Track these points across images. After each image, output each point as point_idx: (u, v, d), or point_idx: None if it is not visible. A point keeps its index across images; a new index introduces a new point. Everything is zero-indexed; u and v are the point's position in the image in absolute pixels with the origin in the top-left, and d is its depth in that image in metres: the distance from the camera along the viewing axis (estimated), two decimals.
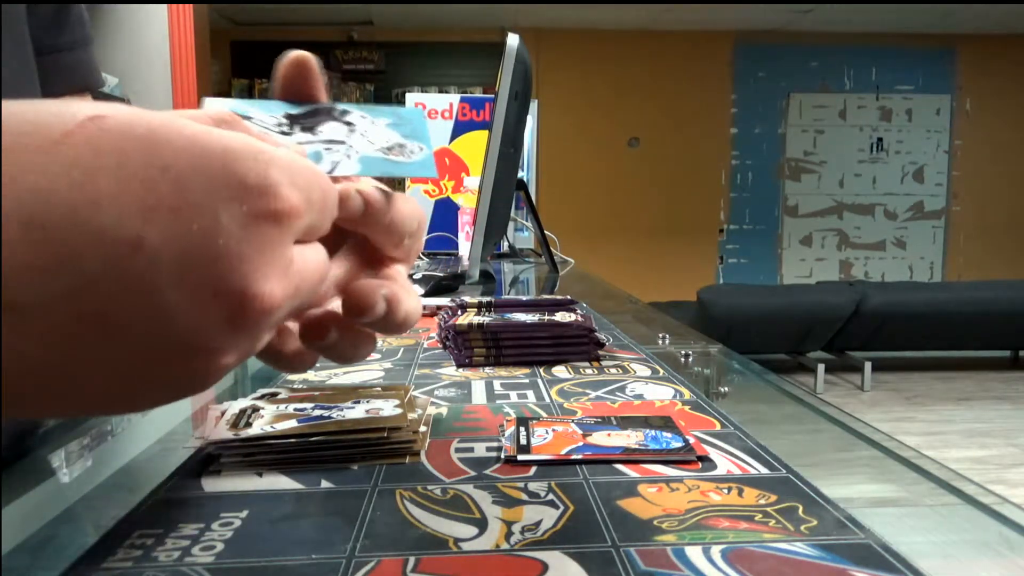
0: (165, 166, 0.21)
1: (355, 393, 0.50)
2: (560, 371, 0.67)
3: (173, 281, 0.21)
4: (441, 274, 1.19)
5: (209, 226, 0.21)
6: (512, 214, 1.91)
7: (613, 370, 0.67)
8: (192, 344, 0.22)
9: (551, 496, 0.38)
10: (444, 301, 0.89)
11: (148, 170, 0.21)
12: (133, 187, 0.20)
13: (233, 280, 0.22)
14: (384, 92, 5.44)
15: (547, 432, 0.47)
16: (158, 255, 0.20)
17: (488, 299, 0.83)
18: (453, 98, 2.21)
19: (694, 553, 0.31)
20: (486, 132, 1.33)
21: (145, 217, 0.20)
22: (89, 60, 0.49)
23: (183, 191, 0.21)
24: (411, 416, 0.46)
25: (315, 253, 0.26)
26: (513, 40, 1.23)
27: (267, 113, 0.32)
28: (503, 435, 0.47)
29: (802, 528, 0.34)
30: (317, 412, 0.45)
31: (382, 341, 0.85)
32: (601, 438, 0.46)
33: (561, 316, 0.74)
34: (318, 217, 0.25)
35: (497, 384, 0.62)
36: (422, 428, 0.46)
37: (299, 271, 0.24)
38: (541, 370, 0.67)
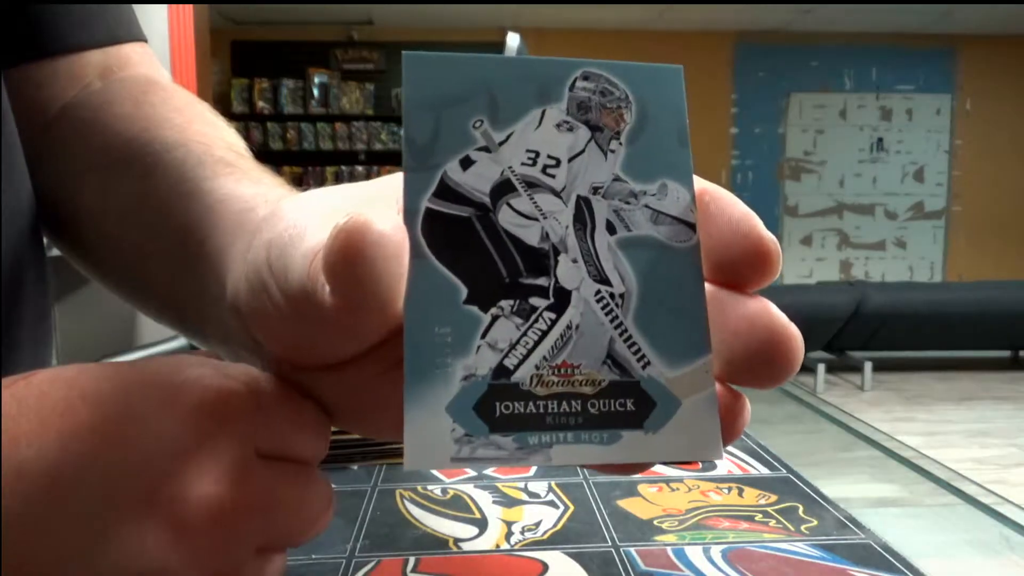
0: (82, 394, 0.20)
1: None
2: None
3: (102, 503, 0.19)
4: None
5: (132, 435, 0.20)
6: None
7: None
8: (139, 572, 0.19)
9: (551, 496, 0.38)
10: None
11: (66, 401, 0.20)
12: (51, 419, 0.20)
13: (168, 484, 0.19)
14: (384, 92, 5.44)
15: None
16: (79, 479, 0.19)
17: None
18: None
19: (694, 553, 0.31)
20: None
21: (63, 445, 0.19)
22: (120, 11, 0.43)
23: (101, 410, 0.20)
24: None
25: (297, 473, 0.22)
26: (513, 40, 1.23)
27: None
28: None
29: (802, 528, 0.34)
30: None
31: None
32: None
33: None
34: (282, 419, 0.22)
35: None
36: None
37: (270, 482, 0.21)
38: None
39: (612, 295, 0.20)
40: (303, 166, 5.33)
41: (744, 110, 5.79)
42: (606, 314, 0.19)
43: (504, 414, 0.19)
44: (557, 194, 0.20)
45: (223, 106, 5.30)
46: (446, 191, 0.19)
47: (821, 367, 4.17)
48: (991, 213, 5.91)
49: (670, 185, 0.21)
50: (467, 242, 0.19)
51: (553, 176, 0.20)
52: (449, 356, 0.18)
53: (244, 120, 5.33)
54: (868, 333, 4.21)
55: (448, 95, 0.20)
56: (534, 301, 0.19)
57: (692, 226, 0.20)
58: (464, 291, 0.19)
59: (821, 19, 5.32)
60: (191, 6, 2.39)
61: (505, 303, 0.19)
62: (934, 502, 0.40)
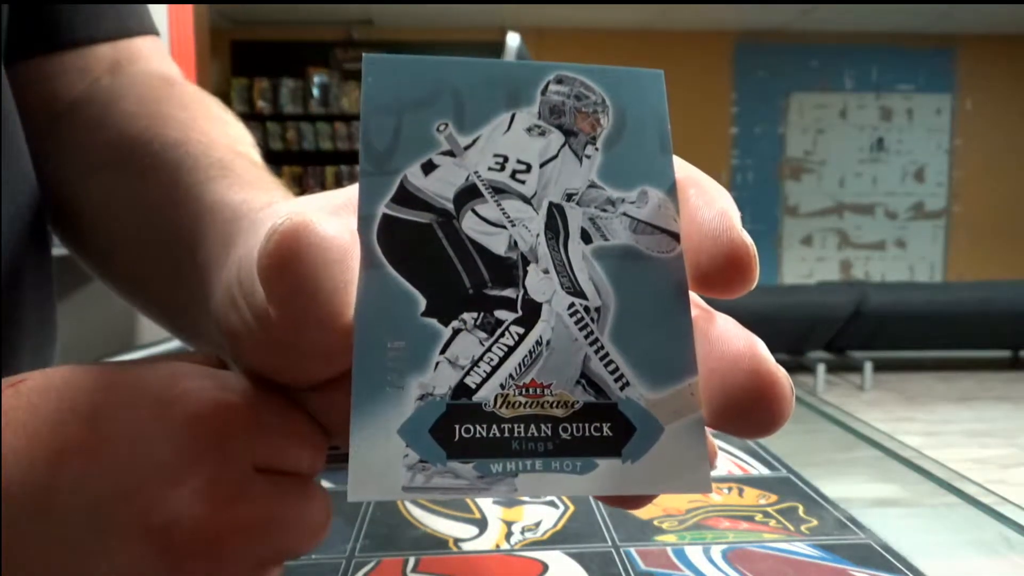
0: (73, 408, 0.19)
1: None
2: None
3: (93, 525, 0.18)
4: None
5: (124, 454, 0.19)
6: None
7: None
8: None
9: (551, 496, 0.38)
10: None
11: (57, 415, 0.19)
12: (42, 434, 0.19)
13: (160, 508, 0.18)
14: None
15: None
16: (70, 501, 0.18)
17: None
18: None
19: (694, 553, 0.31)
20: None
21: (53, 462, 0.18)
22: (130, 4, 0.42)
23: (93, 426, 0.19)
24: None
25: (296, 485, 0.21)
26: (513, 40, 1.23)
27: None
28: None
29: (802, 528, 0.34)
30: None
31: None
32: None
33: None
34: (280, 431, 0.21)
35: None
36: None
37: (268, 498, 0.20)
38: None
39: (587, 309, 0.18)
40: (303, 166, 5.33)
41: (744, 110, 5.79)
42: (580, 329, 0.18)
43: (464, 438, 0.16)
44: (527, 200, 0.18)
45: None
46: (406, 196, 0.18)
47: (821, 367, 4.18)
48: (991, 213, 5.91)
49: (651, 192, 0.19)
50: (427, 250, 0.17)
51: (523, 182, 0.18)
52: (403, 373, 0.17)
53: (244, 120, 5.26)
54: (868, 333, 4.21)
55: (410, 98, 0.18)
56: (500, 314, 0.17)
57: (675, 236, 0.19)
58: (422, 302, 0.17)
59: (821, 19, 5.32)
60: (191, 6, 2.39)
61: (468, 316, 0.17)
62: (934, 502, 0.40)
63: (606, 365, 0.17)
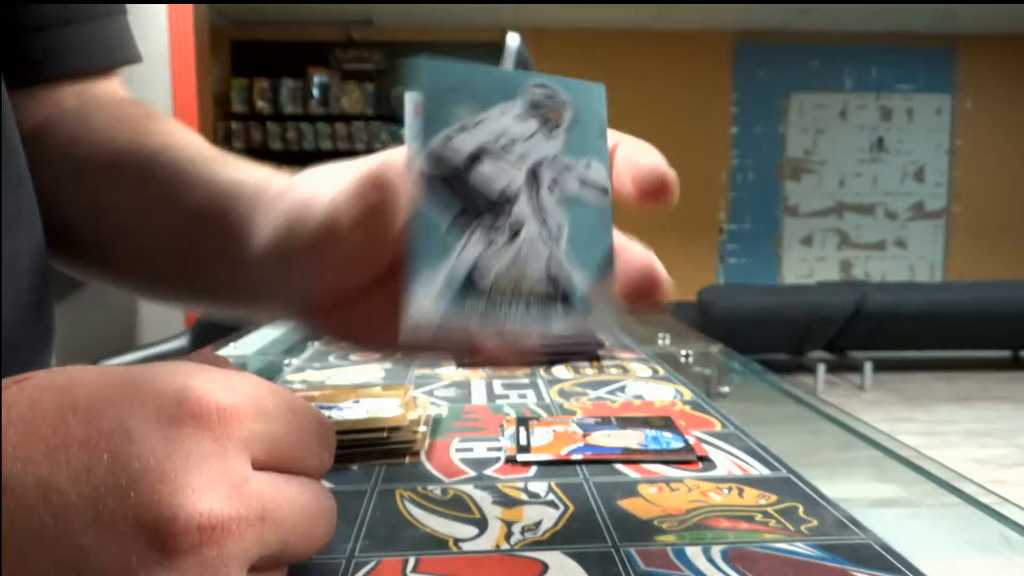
0: (74, 404, 0.20)
1: (355, 393, 0.50)
2: (560, 371, 0.67)
3: (89, 521, 0.19)
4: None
5: (123, 450, 0.19)
6: None
7: (613, 370, 0.67)
8: None
9: (551, 496, 0.38)
10: None
11: (57, 411, 0.20)
12: (41, 429, 0.19)
13: (156, 504, 0.19)
14: (384, 92, 5.44)
15: (547, 432, 0.47)
16: (67, 496, 0.19)
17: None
18: None
19: (694, 553, 0.31)
20: None
21: (52, 458, 0.19)
22: (113, 32, 0.44)
23: (93, 422, 0.19)
24: (411, 416, 0.46)
25: (299, 486, 0.22)
26: (513, 40, 1.23)
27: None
28: (503, 435, 0.47)
29: (802, 528, 0.34)
30: None
31: None
32: (601, 438, 0.46)
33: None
34: (284, 430, 0.21)
35: (497, 384, 0.62)
36: (422, 428, 0.46)
37: (267, 497, 0.20)
38: (541, 370, 0.67)
39: (550, 232, 0.27)
40: (303, 166, 5.32)
41: (744, 110, 5.80)
42: (544, 244, 0.27)
43: (472, 302, 0.25)
44: (514, 164, 0.27)
45: (223, 106, 5.30)
46: (435, 157, 0.26)
47: (821, 367, 4.18)
48: (991, 213, 5.92)
49: (593, 163, 0.28)
50: (449, 191, 0.26)
51: (511, 151, 0.27)
52: (438, 262, 0.25)
53: (244, 120, 5.33)
54: (868, 333, 4.22)
55: (443, 89, 0.26)
56: (497, 231, 0.26)
57: (607, 190, 0.28)
58: (448, 219, 0.25)
59: (821, 19, 5.33)
60: (191, 6, 2.39)
61: (478, 231, 0.26)
62: (934, 502, 0.40)
63: (561, 267, 0.27)
